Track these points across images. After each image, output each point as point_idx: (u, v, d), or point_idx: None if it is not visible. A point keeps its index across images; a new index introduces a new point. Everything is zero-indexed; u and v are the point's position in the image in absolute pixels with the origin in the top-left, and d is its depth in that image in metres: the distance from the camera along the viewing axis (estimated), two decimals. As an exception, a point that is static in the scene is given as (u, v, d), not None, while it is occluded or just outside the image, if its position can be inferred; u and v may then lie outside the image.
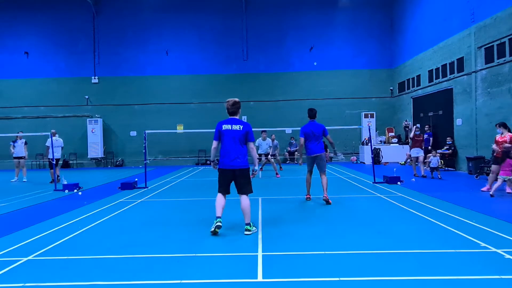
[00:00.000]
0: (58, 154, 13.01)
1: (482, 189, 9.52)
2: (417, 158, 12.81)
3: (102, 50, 21.85)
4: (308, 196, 8.62)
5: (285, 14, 21.57)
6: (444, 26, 15.47)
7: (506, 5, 11.74)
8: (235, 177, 5.79)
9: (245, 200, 5.79)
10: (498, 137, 9.53)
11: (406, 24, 19.54)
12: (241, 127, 5.80)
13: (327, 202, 8.02)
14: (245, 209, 5.75)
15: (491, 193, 8.67)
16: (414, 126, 14.00)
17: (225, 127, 5.83)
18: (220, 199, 5.81)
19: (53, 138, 12.84)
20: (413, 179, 11.92)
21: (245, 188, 5.79)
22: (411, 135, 12.98)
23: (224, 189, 5.83)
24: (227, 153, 5.76)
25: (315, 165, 8.39)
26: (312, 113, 8.49)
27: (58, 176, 12.39)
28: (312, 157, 8.31)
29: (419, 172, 12.78)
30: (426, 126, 16.41)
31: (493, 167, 9.46)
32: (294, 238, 5.46)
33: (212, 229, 5.61)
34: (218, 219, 5.63)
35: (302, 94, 21.30)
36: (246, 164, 5.83)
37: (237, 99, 5.98)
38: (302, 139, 8.33)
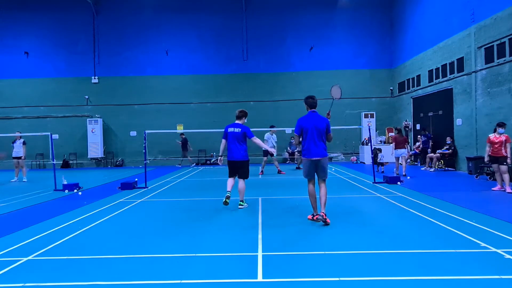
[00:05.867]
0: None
1: (493, 188, 9.63)
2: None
3: (102, 50, 21.85)
4: (316, 215, 6.39)
5: (285, 14, 21.55)
6: (444, 26, 15.46)
7: (506, 5, 11.74)
8: (236, 167, 7.65)
9: (241, 183, 7.72)
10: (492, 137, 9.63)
11: (406, 24, 19.53)
12: (239, 129, 7.66)
13: (325, 223, 6.12)
14: (241, 190, 7.71)
15: (507, 190, 9.07)
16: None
17: (230, 129, 7.72)
18: (229, 180, 7.78)
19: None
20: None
21: (243, 174, 7.71)
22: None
23: (232, 175, 7.79)
24: (230, 149, 7.68)
25: (315, 172, 6.50)
26: (313, 102, 6.52)
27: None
28: (313, 160, 6.36)
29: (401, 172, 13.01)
30: (422, 130, 16.67)
31: (494, 166, 9.57)
32: (294, 238, 5.46)
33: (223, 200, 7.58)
34: (228, 192, 7.61)
35: (302, 94, 20.94)
36: (245, 157, 7.66)
37: (244, 109, 8.03)
38: (297, 137, 6.46)
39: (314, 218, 6.39)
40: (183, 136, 20.34)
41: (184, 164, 20.58)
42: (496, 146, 9.40)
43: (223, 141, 7.78)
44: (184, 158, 20.42)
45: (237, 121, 7.82)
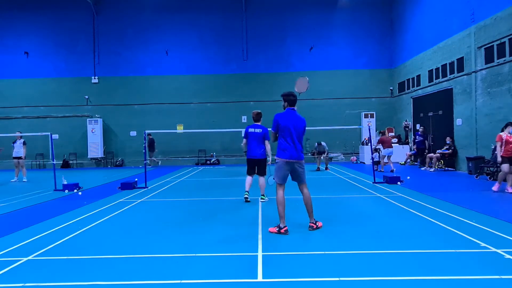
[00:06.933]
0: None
1: (494, 188, 9.53)
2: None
3: (102, 50, 21.84)
4: (284, 227, 5.62)
5: (285, 14, 21.55)
6: (444, 26, 15.46)
7: (506, 5, 11.73)
8: (255, 164, 8.43)
9: (262, 179, 8.47)
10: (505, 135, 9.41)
11: (406, 24, 19.53)
12: (260, 130, 8.40)
13: (313, 228, 5.83)
14: (261, 185, 8.51)
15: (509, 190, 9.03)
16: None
17: (250, 130, 8.42)
18: (248, 179, 8.57)
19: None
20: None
21: (261, 171, 8.50)
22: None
23: (250, 172, 8.56)
24: (250, 148, 8.43)
25: (290, 176, 5.88)
26: (295, 99, 6.15)
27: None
28: (289, 162, 5.73)
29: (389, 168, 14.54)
30: (421, 127, 16.95)
31: (504, 166, 9.18)
32: (294, 238, 5.46)
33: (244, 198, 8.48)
34: (246, 193, 8.51)
35: (302, 94, 21.14)
36: (263, 156, 8.41)
37: (259, 111, 8.70)
38: (273, 134, 5.93)
39: (281, 231, 5.57)
40: (150, 137, 20.30)
41: (153, 164, 20.42)
42: (510, 146, 9.17)
43: (244, 140, 8.57)
44: (150, 158, 20.26)
45: (257, 123, 8.52)
